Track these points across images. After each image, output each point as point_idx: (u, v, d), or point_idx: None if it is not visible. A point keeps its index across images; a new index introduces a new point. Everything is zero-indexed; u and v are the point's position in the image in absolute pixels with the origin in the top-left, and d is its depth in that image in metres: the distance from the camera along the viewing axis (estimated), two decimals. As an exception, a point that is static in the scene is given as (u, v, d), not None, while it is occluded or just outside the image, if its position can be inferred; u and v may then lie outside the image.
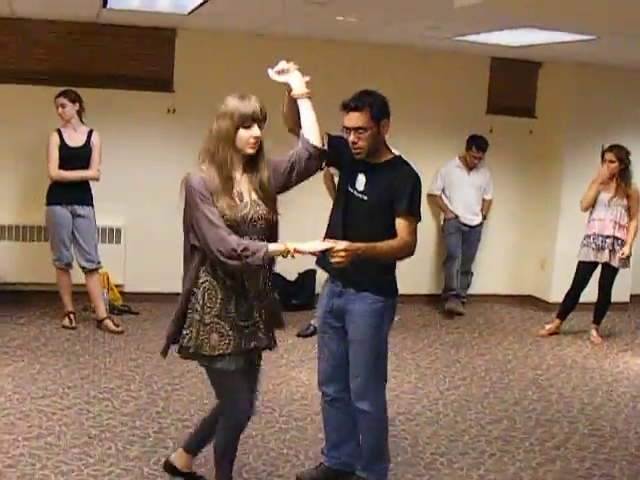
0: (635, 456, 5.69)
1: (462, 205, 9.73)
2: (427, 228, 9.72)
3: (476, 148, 9.56)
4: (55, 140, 7.71)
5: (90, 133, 7.86)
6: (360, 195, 4.58)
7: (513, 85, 10.20)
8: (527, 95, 10.26)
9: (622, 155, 8.50)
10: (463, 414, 6.32)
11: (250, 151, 4.16)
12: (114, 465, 4.97)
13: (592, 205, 8.64)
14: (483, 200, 9.88)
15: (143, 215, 8.96)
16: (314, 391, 6.27)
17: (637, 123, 10.03)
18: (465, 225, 9.72)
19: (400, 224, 4.45)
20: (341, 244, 4.10)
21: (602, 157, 8.66)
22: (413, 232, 4.48)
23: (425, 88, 9.43)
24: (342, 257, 4.08)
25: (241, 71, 9.02)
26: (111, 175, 8.10)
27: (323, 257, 4.23)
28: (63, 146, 7.73)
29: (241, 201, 4.17)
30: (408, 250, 4.47)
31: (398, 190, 4.48)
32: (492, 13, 6.35)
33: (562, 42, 7.68)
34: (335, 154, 4.57)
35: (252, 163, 4.23)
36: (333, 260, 4.09)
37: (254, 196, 4.21)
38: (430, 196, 9.66)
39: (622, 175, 8.55)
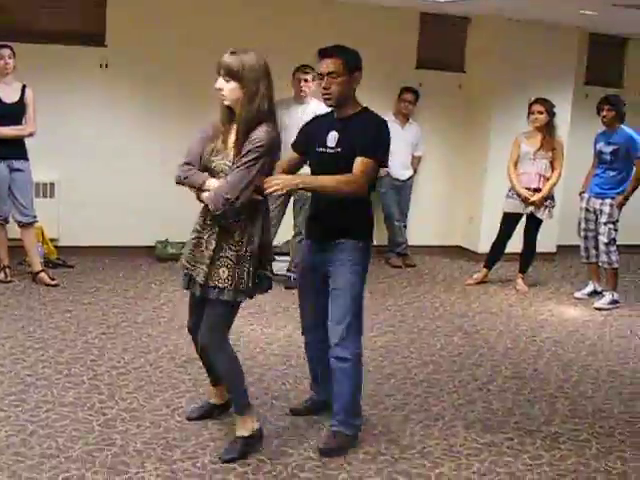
0: (554, 396, 5.93)
1: (395, 160, 9.87)
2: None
3: (407, 92, 9.78)
4: (-10, 96, 7.72)
5: (23, 89, 7.87)
6: (332, 150, 4.73)
7: (442, 40, 10.38)
8: (456, 50, 10.47)
9: (548, 107, 8.72)
10: (390, 359, 6.52)
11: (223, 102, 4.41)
12: (50, 411, 5.07)
13: (517, 159, 8.86)
14: (413, 156, 10.06)
15: (77, 169, 9.02)
16: (245, 339, 6.45)
17: (560, 78, 10.27)
18: (397, 180, 9.90)
19: (355, 162, 4.59)
20: (280, 175, 4.52)
21: (529, 110, 8.87)
22: (365, 170, 4.57)
23: (355, 43, 9.44)
24: (277, 185, 4.35)
25: (174, 26, 9.11)
26: (44, 130, 8.11)
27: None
28: (-2, 102, 7.74)
29: (216, 150, 4.46)
30: (354, 185, 4.57)
31: (363, 135, 4.64)
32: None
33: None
34: (304, 149, 4.89)
35: (229, 118, 4.45)
36: (268, 190, 4.35)
37: (223, 148, 4.45)
38: None
39: (548, 128, 8.77)
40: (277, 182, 4.37)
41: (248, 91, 4.26)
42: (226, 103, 4.37)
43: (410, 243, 10.13)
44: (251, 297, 4.59)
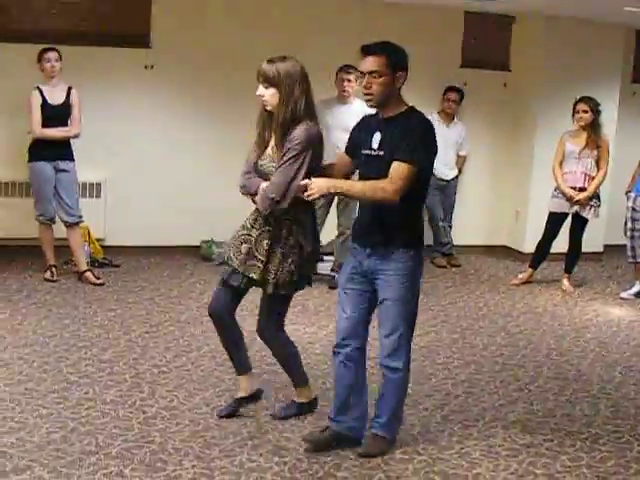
0: (596, 397, 5.88)
1: (439, 159, 9.81)
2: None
3: (451, 92, 9.75)
4: (37, 98, 7.81)
5: (69, 90, 7.97)
6: (376, 152, 4.52)
7: (487, 39, 10.35)
8: (501, 49, 10.42)
9: (593, 106, 8.65)
10: (432, 359, 6.51)
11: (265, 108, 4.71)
12: (91, 408, 5.14)
13: (563, 159, 8.80)
14: (458, 156, 10.02)
15: (122, 170, 9.11)
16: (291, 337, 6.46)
17: (606, 76, 10.17)
18: (442, 180, 9.86)
19: (393, 167, 4.38)
20: (315, 180, 4.44)
21: (574, 109, 8.80)
22: (398, 177, 4.36)
23: (400, 42, 9.46)
24: (312, 190, 4.40)
25: (219, 27, 9.17)
26: (90, 131, 8.22)
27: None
28: (45, 104, 7.84)
29: (262, 152, 4.78)
30: (384, 193, 4.37)
31: (404, 137, 4.41)
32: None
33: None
34: (353, 152, 4.75)
35: (269, 122, 4.73)
36: (307, 193, 4.41)
37: (270, 152, 4.75)
38: None
39: (593, 126, 8.69)
40: (312, 187, 4.41)
41: (285, 95, 4.57)
42: (268, 108, 4.66)
43: (455, 243, 10.09)
44: (295, 290, 4.96)
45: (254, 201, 4.75)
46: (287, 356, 5.22)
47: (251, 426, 5.02)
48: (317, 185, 4.43)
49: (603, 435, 5.21)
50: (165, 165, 9.25)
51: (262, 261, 4.74)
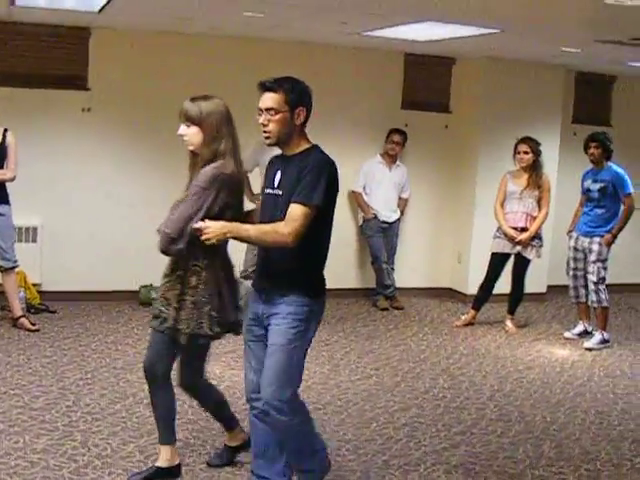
0: (539, 439, 5.81)
1: (382, 202, 9.83)
2: (348, 224, 9.89)
3: (395, 134, 9.72)
4: (-30, 141, 7.65)
5: (4, 132, 7.80)
6: (274, 191, 4.37)
7: (427, 81, 10.35)
8: (441, 90, 10.43)
9: (534, 146, 8.70)
10: (373, 402, 6.40)
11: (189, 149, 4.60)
12: (20, 458, 4.95)
13: (504, 199, 8.81)
14: (400, 198, 9.99)
15: (58, 214, 8.94)
16: (226, 384, 6.33)
17: (547, 117, 10.24)
18: (385, 222, 9.82)
19: (288, 211, 4.22)
20: (209, 223, 4.21)
21: (515, 149, 8.84)
22: (295, 219, 4.18)
23: (341, 85, 9.51)
24: (209, 234, 4.18)
25: (155, 69, 9.09)
26: (26, 174, 8.03)
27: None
28: (-21, 147, 7.67)
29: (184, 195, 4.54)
30: (276, 237, 4.21)
31: (301, 177, 4.23)
32: (395, 5, 6.49)
33: (469, 36, 7.82)
34: None
35: (195, 161, 4.60)
36: (202, 237, 4.19)
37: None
38: (353, 193, 9.79)
39: (534, 167, 8.73)
40: (206, 230, 4.18)
41: (208, 134, 4.45)
42: (190, 148, 4.55)
43: (398, 285, 10.00)
44: (215, 338, 4.68)
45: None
46: (213, 403, 5.08)
47: (186, 476, 4.87)
48: (213, 229, 4.18)
49: (547, 477, 5.16)
50: (103, 209, 9.09)
51: (175, 309, 4.49)
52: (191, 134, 4.50)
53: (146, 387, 6.26)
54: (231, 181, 4.44)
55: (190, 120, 4.48)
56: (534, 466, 5.31)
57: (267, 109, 4.29)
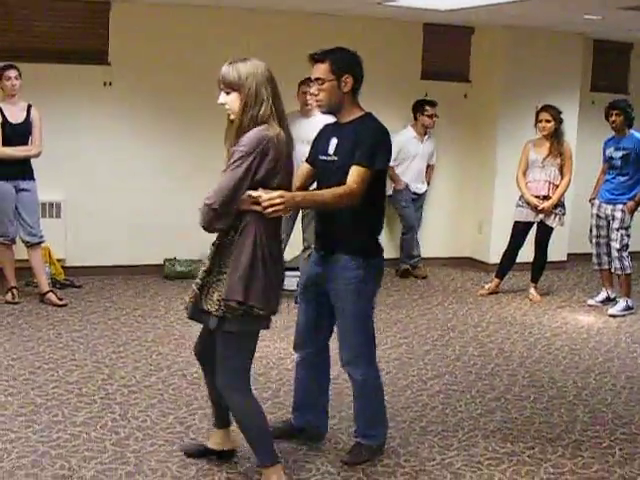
0: (573, 403, 5.84)
1: (414, 174, 9.85)
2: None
3: (429, 106, 9.66)
4: (-3, 117, 7.68)
5: (29, 108, 7.82)
6: (331, 158, 4.54)
7: (446, 51, 10.35)
8: (460, 60, 10.42)
9: (556, 114, 8.67)
10: (405, 371, 6.43)
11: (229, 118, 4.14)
12: (62, 431, 4.99)
13: (526, 167, 8.81)
14: (428, 165, 9.99)
15: (83, 189, 8.97)
16: (259, 354, 6.37)
17: (565, 85, 10.21)
18: (414, 193, 9.85)
19: (351, 172, 4.36)
20: (275, 193, 3.97)
21: (536, 118, 8.82)
22: (360, 181, 4.35)
23: (361, 56, 9.44)
24: (278, 205, 3.96)
25: (176, 42, 9.08)
26: (49, 150, 8.03)
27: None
28: (5, 123, 7.67)
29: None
30: (350, 197, 4.34)
31: (359, 143, 4.42)
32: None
33: (494, 4, 7.77)
34: (314, 161, 4.70)
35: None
36: (268, 211, 3.94)
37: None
38: None
39: (555, 134, 8.71)
40: (278, 202, 3.95)
41: (248, 98, 3.98)
42: (232, 117, 4.09)
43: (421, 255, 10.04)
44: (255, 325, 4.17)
45: None
46: (256, 422, 4.33)
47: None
48: (286, 199, 3.98)
49: (584, 441, 5.17)
50: (126, 183, 9.10)
51: (199, 285, 4.11)
52: (232, 101, 4.04)
53: (180, 359, 6.40)
54: (278, 144, 3.98)
55: (229, 86, 4.02)
56: (570, 430, 5.34)
57: (316, 79, 4.51)
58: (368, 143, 4.43)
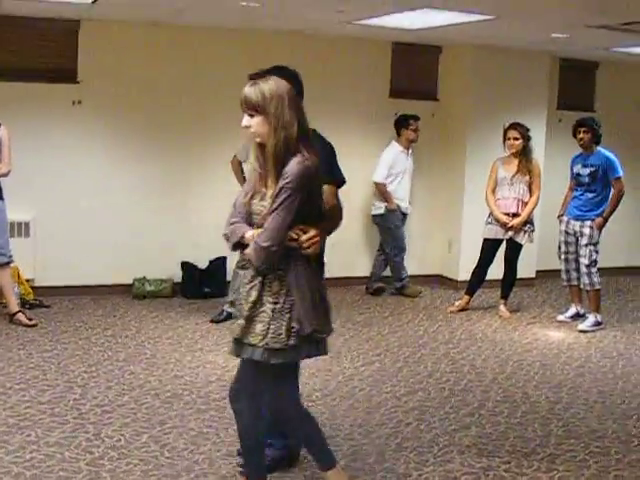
0: (546, 418, 5.87)
1: (404, 192, 9.77)
2: (361, 214, 9.97)
3: (413, 120, 9.63)
4: (-36, 136, 7.60)
5: (-2, 127, 7.79)
6: None
7: (415, 70, 10.40)
8: (429, 79, 10.47)
9: (524, 132, 8.75)
10: (379, 388, 6.44)
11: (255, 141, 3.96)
12: (35, 451, 4.94)
13: (495, 185, 8.87)
14: None
15: (51, 208, 8.91)
16: (231, 373, 6.33)
17: (533, 103, 10.31)
18: (404, 214, 9.82)
19: (326, 192, 4.19)
20: (312, 230, 3.90)
21: (504, 136, 8.89)
22: (336, 198, 4.43)
23: (328, 74, 9.50)
24: (316, 242, 3.92)
25: (145, 60, 9.08)
26: (18, 169, 7.94)
27: None
28: (-27, 142, 7.62)
29: (254, 191, 3.97)
30: (341, 214, 4.37)
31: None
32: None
33: (464, 22, 7.86)
34: None
35: (263, 156, 3.94)
36: (308, 250, 3.89)
37: (264, 190, 3.94)
38: (376, 184, 9.63)
39: (524, 152, 8.78)
40: (316, 240, 3.90)
41: (274, 120, 3.80)
42: (258, 140, 3.89)
43: (388, 273, 10.05)
44: (297, 359, 4.11)
45: (242, 253, 3.99)
46: (312, 435, 4.34)
47: (203, 463, 4.88)
48: (321, 237, 3.94)
49: (559, 455, 5.20)
50: (95, 203, 9.05)
51: (245, 317, 3.94)
52: (256, 124, 3.84)
53: (152, 377, 6.37)
54: (316, 174, 3.89)
55: (252, 108, 3.83)
56: (545, 444, 5.37)
57: None
58: (327, 162, 4.35)
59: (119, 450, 5.02)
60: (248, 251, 3.88)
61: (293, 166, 3.79)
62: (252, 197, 3.96)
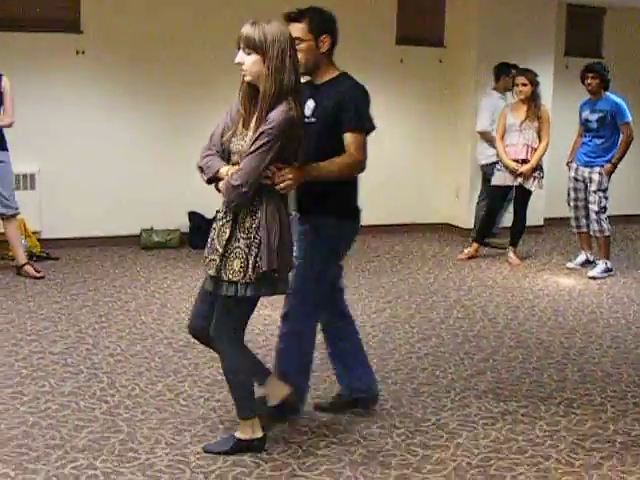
0: (561, 363, 5.85)
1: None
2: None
3: (517, 71, 9.04)
4: (-34, 87, 7.52)
5: (0, 78, 7.69)
6: (309, 119, 4.34)
7: (421, 16, 10.30)
8: (436, 25, 10.37)
9: (532, 78, 8.68)
10: (392, 334, 6.41)
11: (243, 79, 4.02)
12: (50, 401, 4.91)
13: (504, 132, 8.79)
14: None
15: (57, 159, 8.85)
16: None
17: (540, 50, 10.21)
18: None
19: (347, 140, 4.30)
20: (286, 168, 4.00)
21: (512, 82, 8.82)
22: (360, 147, 4.33)
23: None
24: (289, 182, 4.00)
25: (149, 10, 8.96)
26: (22, 120, 7.89)
27: None
28: (-25, 93, 7.54)
29: (237, 129, 4.06)
30: (356, 166, 4.35)
31: (343, 105, 4.32)
32: None
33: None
34: None
35: (252, 95, 4.03)
36: (279, 186, 3.98)
37: (242, 129, 4.05)
38: (483, 133, 9.41)
39: (532, 98, 8.70)
40: (289, 177, 4.00)
41: (272, 63, 3.87)
42: (247, 79, 3.96)
43: (396, 222, 10.03)
44: (260, 294, 4.12)
45: (216, 187, 4.06)
46: (241, 376, 4.32)
47: (220, 410, 4.86)
48: (294, 176, 4.03)
49: (575, 399, 5.18)
50: (101, 153, 9.00)
51: (220, 254, 4.03)
52: (251, 62, 3.91)
53: (164, 327, 6.34)
54: (299, 125, 4.00)
55: (251, 46, 3.89)
56: (561, 389, 5.34)
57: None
58: (352, 105, 4.33)
59: (134, 399, 4.99)
60: (221, 186, 3.99)
61: (278, 113, 3.87)
62: (232, 135, 4.05)
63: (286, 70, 3.89)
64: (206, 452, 4.31)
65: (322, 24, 4.39)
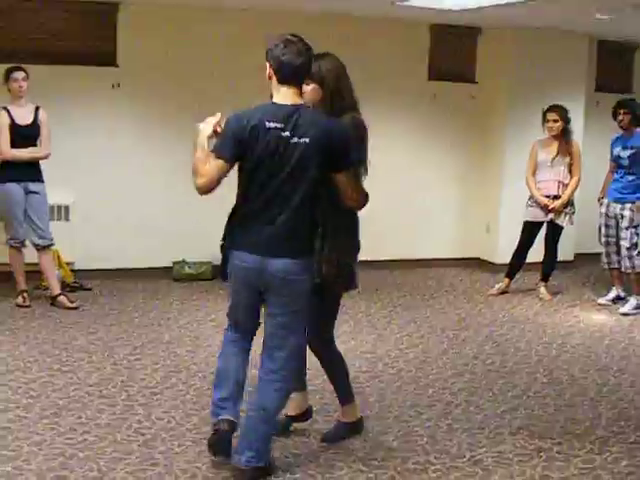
0: (595, 400, 5.84)
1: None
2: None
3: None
4: (5, 119, 7.61)
5: (37, 110, 7.80)
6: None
7: (454, 51, 10.32)
8: (468, 61, 10.39)
9: (563, 114, 8.70)
10: (424, 370, 6.42)
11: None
12: (86, 433, 4.96)
13: (535, 168, 8.83)
14: None
15: (90, 191, 8.90)
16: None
17: (571, 86, 10.21)
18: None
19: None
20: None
21: (543, 118, 8.84)
22: None
23: (368, 57, 9.40)
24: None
25: (184, 44, 9.06)
26: (58, 152, 7.99)
27: None
28: (13, 125, 7.64)
29: None
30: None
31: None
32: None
33: (510, 3, 7.75)
34: None
35: None
36: None
37: None
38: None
39: (563, 134, 8.73)
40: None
41: (330, 89, 4.67)
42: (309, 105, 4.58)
43: (427, 256, 10.05)
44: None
45: None
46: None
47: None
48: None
49: (610, 437, 5.17)
50: (134, 185, 9.07)
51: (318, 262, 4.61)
52: (309, 91, 4.60)
53: (198, 359, 6.38)
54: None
55: (309, 77, 4.56)
56: (595, 426, 5.34)
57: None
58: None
59: (170, 432, 5.03)
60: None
61: (346, 120, 4.66)
62: None
63: (342, 94, 4.74)
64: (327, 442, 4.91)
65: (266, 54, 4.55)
